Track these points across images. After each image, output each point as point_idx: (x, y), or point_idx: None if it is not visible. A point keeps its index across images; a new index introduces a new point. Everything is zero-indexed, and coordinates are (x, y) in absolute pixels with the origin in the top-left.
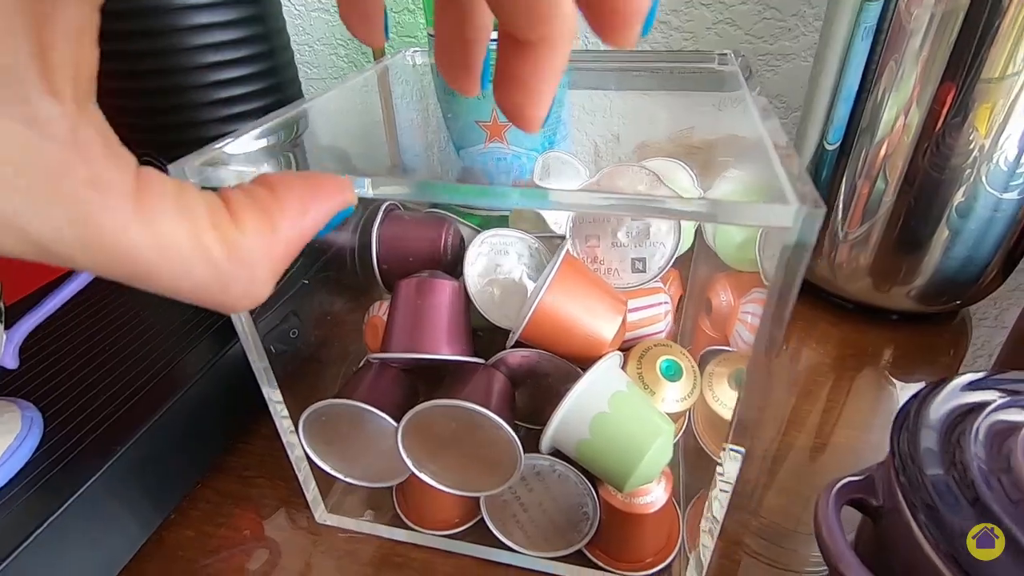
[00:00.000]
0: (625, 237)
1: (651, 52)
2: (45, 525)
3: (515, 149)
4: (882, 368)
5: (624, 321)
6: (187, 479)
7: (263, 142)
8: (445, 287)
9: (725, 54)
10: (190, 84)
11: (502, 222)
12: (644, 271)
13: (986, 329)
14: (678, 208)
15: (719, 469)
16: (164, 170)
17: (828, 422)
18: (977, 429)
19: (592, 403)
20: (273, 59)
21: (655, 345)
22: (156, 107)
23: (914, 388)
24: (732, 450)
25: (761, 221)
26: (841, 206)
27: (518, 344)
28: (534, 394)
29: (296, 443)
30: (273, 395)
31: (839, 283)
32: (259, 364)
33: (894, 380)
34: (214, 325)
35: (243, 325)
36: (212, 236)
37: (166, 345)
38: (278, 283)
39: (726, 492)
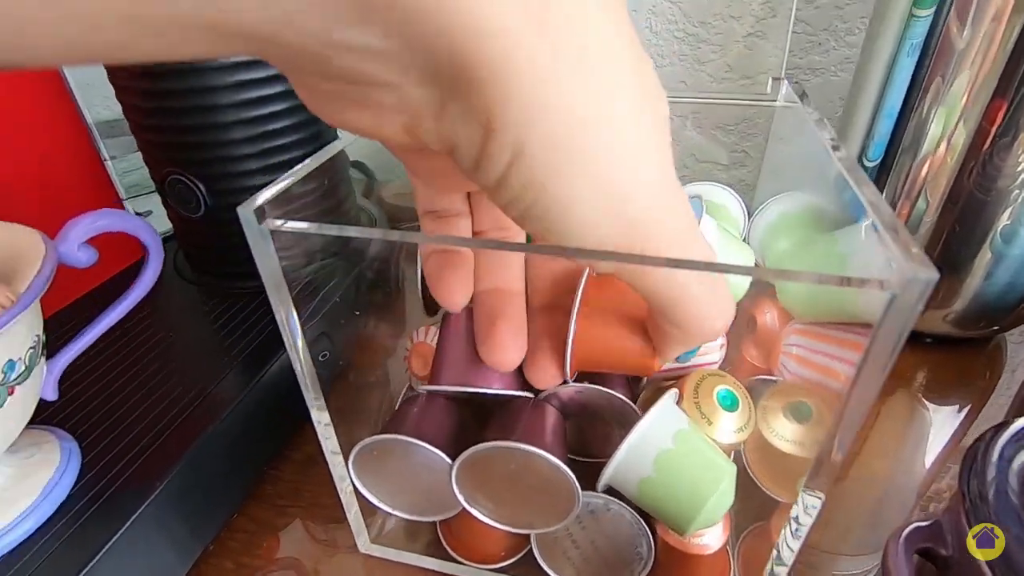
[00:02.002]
0: None
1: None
2: (90, 565)
3: None
4: (915, 391)
5: None
6: (224, 509)
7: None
8: None
9: (778, 79)
10: (220, 104)
11: None
12: None
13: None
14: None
15: (794, 512)
16: (192, 187)
17: (861, 444)
18: None
19: (657, 439)
20: None
21: (708, 375)
22: (183, 126)
23: (947, 411)
24: (810, 494)
25: (861, 284)
26: None
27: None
28: (583, 427)
29: (344, 475)
30: (322, 418)
31: None
32: (311, 395)
33: (927, 403)
34: (246, 350)
35: (298, 352)
36: None
37: (198, 372)
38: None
39: (799, 537)
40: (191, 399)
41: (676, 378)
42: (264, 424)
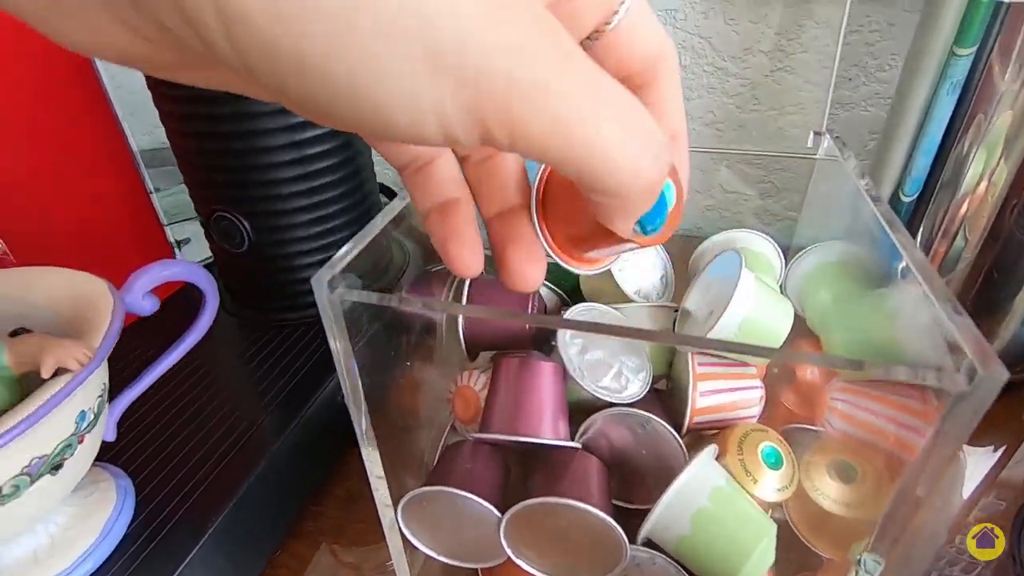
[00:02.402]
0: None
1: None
2: None
3: None
4: None
5: None
6: (269, 546)
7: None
8: (546, 368)
9: (819, 133)
10: (269, 146)
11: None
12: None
13: None
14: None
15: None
16: (237, 224)
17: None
18: None
19: (692, 498)
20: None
21: (752, 430)
22: (233, 166)
23: (981, 452)
24: (870, 558)
25: (925, 380)
26: None
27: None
28: (625, 474)
29: (389, 515)
30: (371, 456)
31: None
32: (363, 432)
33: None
34: (290, 383)
35: (349, 391)
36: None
37: (244, 407)
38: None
39: None
40: (240, 434)
41: (718, 429)
42: (309, 459)
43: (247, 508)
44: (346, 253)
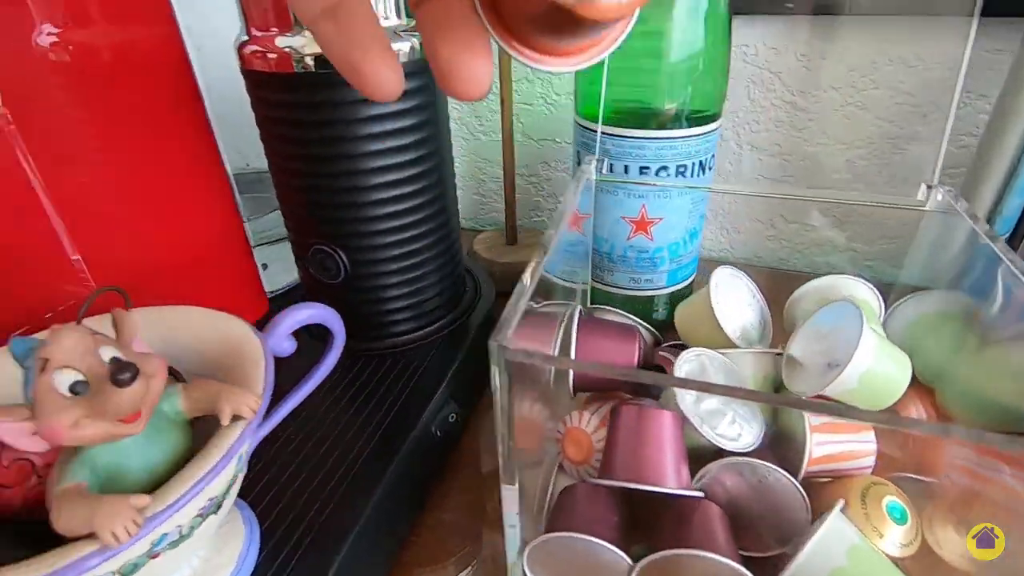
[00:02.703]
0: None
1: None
2: None
3: (658, 243)
4: None
5: None
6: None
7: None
8: (667, 417)
9: (932, 186)
10: (365, 185)
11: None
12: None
13: None
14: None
15: None
16: (335, 256)
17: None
18: None
19: (830, 555)
20: (433, 160)
21: (873, 483)
22: (334, 203)
23: None
24: None
25: None
26: None
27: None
28: (738, 521)
29: (513, 553)
30: (509, 493)
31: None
32: (508, 473)
33: None
34: (390, 412)
35: (507, 440)
36: None
37: (349, 438)
38: None
39: None
40: (349, 464)
41: (831, 478)
42: (411, 489)
43: (365, 538)
44: (510, 317)
